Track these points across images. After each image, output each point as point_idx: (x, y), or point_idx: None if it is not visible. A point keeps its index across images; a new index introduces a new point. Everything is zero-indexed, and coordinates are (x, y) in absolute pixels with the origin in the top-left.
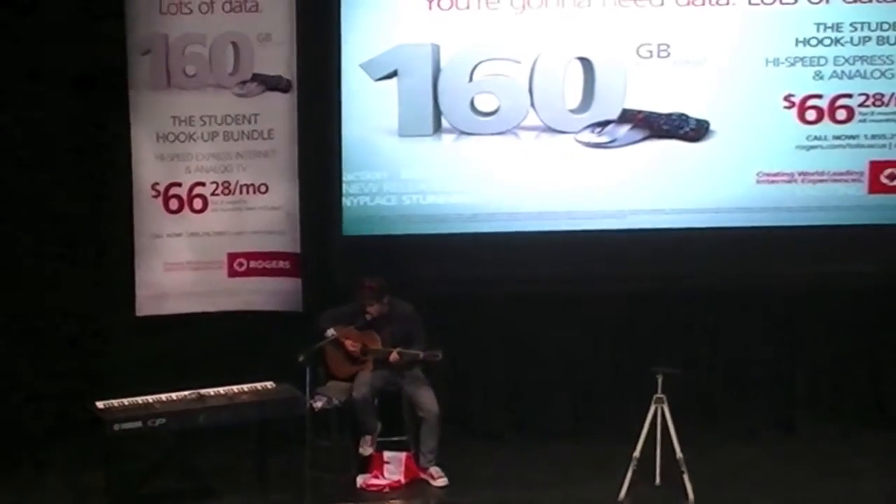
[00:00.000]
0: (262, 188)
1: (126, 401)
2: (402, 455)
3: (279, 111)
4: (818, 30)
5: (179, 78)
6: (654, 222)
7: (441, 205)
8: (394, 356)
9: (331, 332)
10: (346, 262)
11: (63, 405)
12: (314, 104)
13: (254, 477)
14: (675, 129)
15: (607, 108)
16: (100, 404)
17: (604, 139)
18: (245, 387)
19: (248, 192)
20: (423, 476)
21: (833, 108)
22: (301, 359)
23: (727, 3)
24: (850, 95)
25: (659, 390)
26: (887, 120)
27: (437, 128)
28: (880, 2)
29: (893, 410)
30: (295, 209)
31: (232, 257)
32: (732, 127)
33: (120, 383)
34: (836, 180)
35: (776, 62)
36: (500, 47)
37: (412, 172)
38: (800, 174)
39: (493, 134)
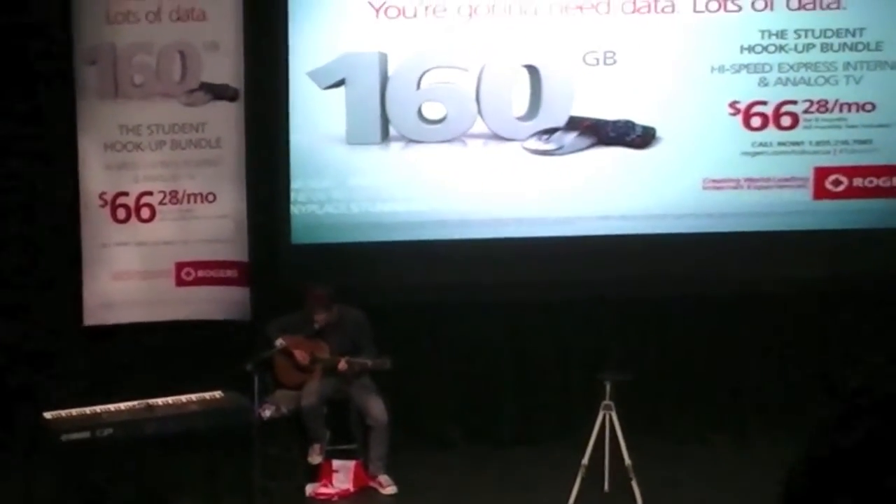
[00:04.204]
0: (210, 197)
1: (74, 411)
2: (352, 463)
3: (226, 120)
4: (763, 37)
5: (127, 87)
6: (601, 229)
7: (389, 213)
8: (342, 365)
9: (280, 341)
10: (294, 271)
11: (10, 416)
12: (261, 113)
13: (203, 486)
14: (622, 136)
15: (554, 115)
16: (47, 415)
17: (551, 146)
18: (193, 396)
19: (195, 200)
20: (372, 484)
21: (778, 114)
22: (249, 368)
23: (672, 11)
24: (794, 102)
25: (607, 397)
26: (831, 126)
27: (385, 136)
28: (824, 9)
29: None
30: (243, 218)
31: (180, 266)
32: (678, 134)
33: (67, 394)
34: (781, 186)
35: (721, 69)
36: (447, 55)
37: (360, 180)
38: (745, 180)
39: (440, 142)
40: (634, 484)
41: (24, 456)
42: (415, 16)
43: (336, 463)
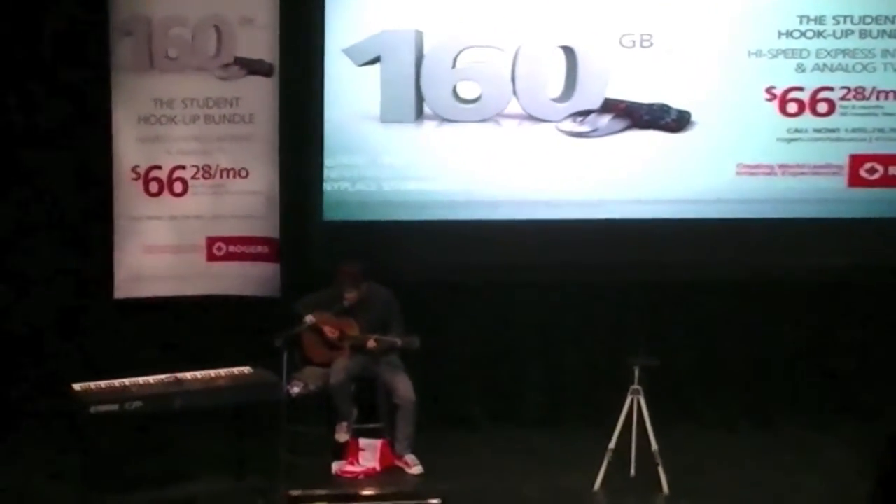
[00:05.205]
0: (243, 172)
1: (103, 383)
2: (378, 442)
3: (261, 95)
4: (801, 22)
5: (161, 60)
6: (633, 212)
7: (421, 191)
8: (371, 343)
9: (309, 317)
10: (325, 248)
11: (39, 387)
12: (296, 89)
13: (229, 461)
14: (657, 120)
15: (589, 97)
16: (76, 386)
17: (585, 128)
18: (222, 371)
19: (228, 175)
20: (398, 463)
21: (814, 100)
22: (278, 344)
23: None
24: (831, 88)
25: (635, 382)
26: (868, 114)
27: (419, 114)
28: None
29: (869, 403)
30: (275, 194)
31: (211, 241)
32: (714, 118)
33: (97, 366)
34: (815, 173)
35: (758, 54)
36: (483, 35)
37: (393, 158)
38: (780, 166)
39: (474, 121)
40: (661, 469)
41: (52, 427)
42: None
43: (362, 441)
